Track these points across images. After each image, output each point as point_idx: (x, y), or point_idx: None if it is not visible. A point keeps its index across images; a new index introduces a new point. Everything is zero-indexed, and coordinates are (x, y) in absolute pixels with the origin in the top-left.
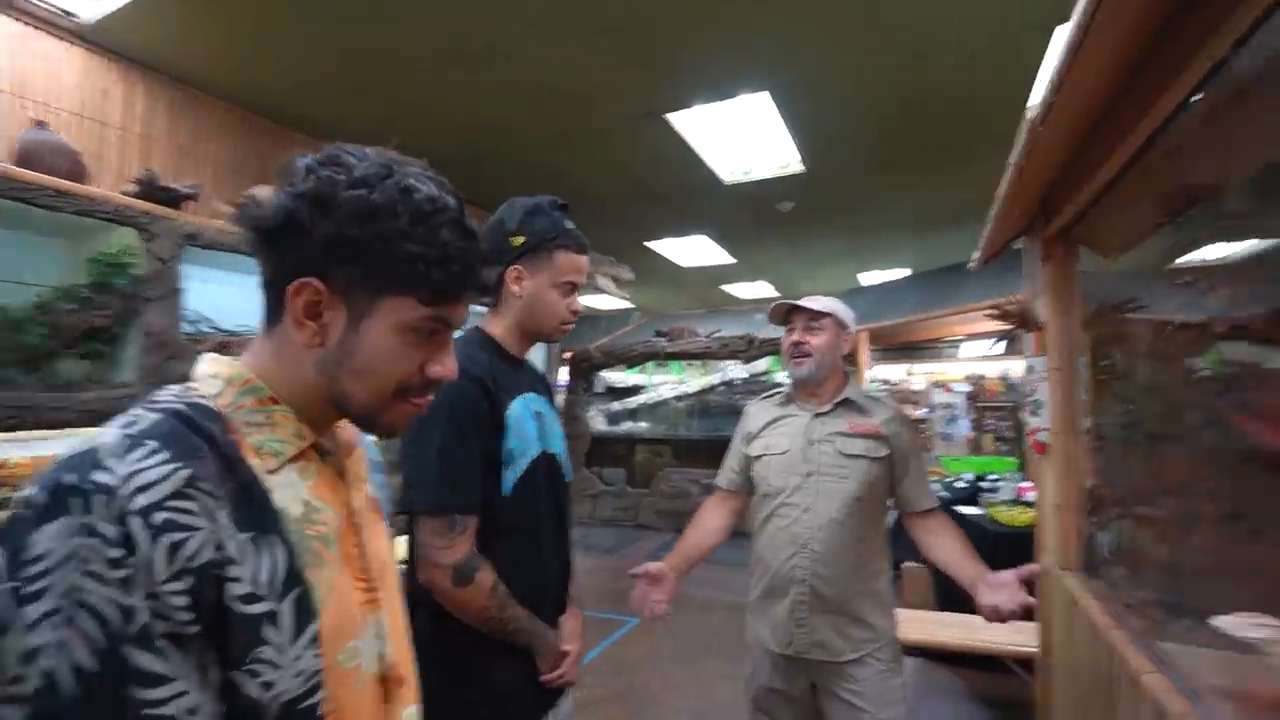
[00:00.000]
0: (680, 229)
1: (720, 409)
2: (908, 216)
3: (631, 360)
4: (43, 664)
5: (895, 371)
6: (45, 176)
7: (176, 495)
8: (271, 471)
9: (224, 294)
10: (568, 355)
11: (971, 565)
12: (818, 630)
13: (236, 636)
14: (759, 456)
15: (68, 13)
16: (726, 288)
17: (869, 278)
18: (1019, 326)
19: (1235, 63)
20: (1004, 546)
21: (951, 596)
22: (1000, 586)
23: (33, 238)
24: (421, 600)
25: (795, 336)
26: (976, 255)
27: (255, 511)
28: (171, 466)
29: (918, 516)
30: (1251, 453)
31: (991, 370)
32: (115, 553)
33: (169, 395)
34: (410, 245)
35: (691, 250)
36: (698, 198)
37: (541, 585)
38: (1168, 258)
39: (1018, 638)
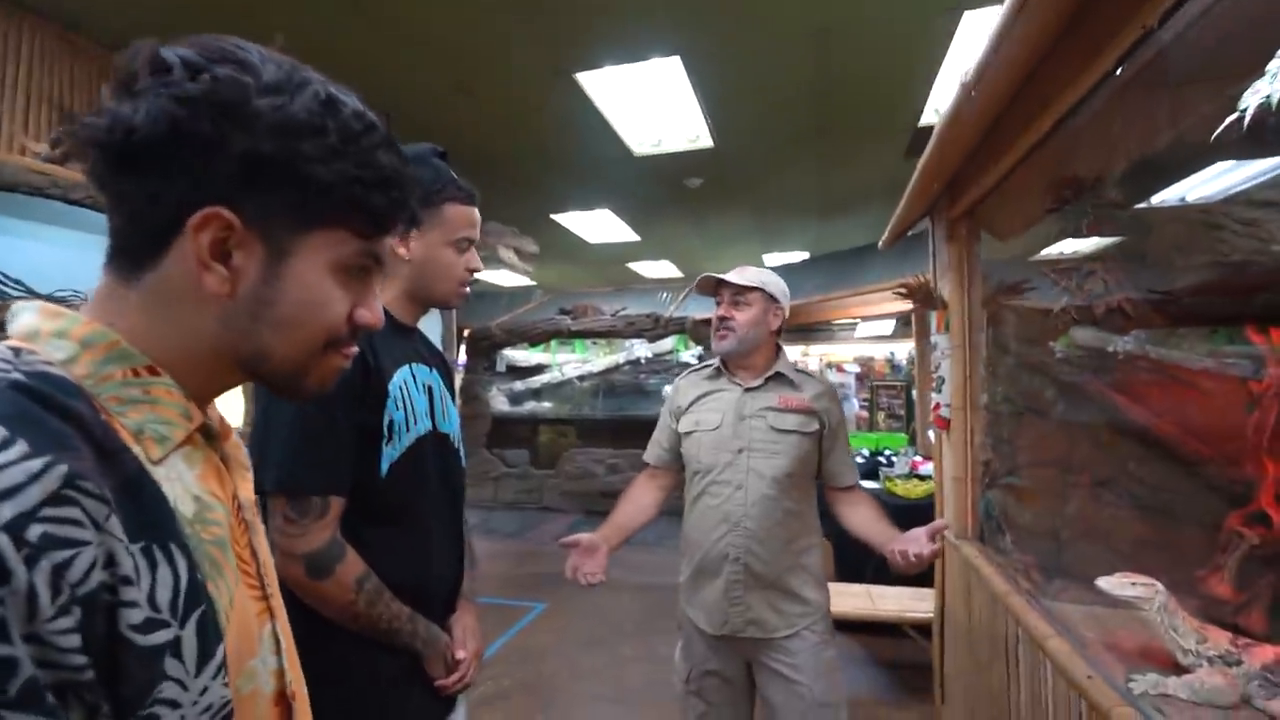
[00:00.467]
0: (586, 201)
1: (626, 388)
2: (811, 198)
3: (534, 338)
4: None
5: (791, 352)
6: None
7: (53, 500)
8: (155, 461)
9: (39, 251)
10: (467, 333)
11: (887, 528)
12: (752, 608)
13: (133, 675)
14: (689, 433)
15: None
16: (632, 265)
17: (772, 259)
18: (923, 305)
19: (1128, 62)
20: (902, 518)
21: (850, 568)
22: (912, 539)
23: None
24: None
25: (721, 310)
26: (887, 233)
27: (148, 514)
28: (40, 461)
29: (840, 491)
30: (1113, 426)
31: (880, 352)
32: None
33: None
34: (345, 167)
35: (597, 226)
36: (607, 168)
37: (426, 579)
38: (1048, 243)
39: (914, 604)
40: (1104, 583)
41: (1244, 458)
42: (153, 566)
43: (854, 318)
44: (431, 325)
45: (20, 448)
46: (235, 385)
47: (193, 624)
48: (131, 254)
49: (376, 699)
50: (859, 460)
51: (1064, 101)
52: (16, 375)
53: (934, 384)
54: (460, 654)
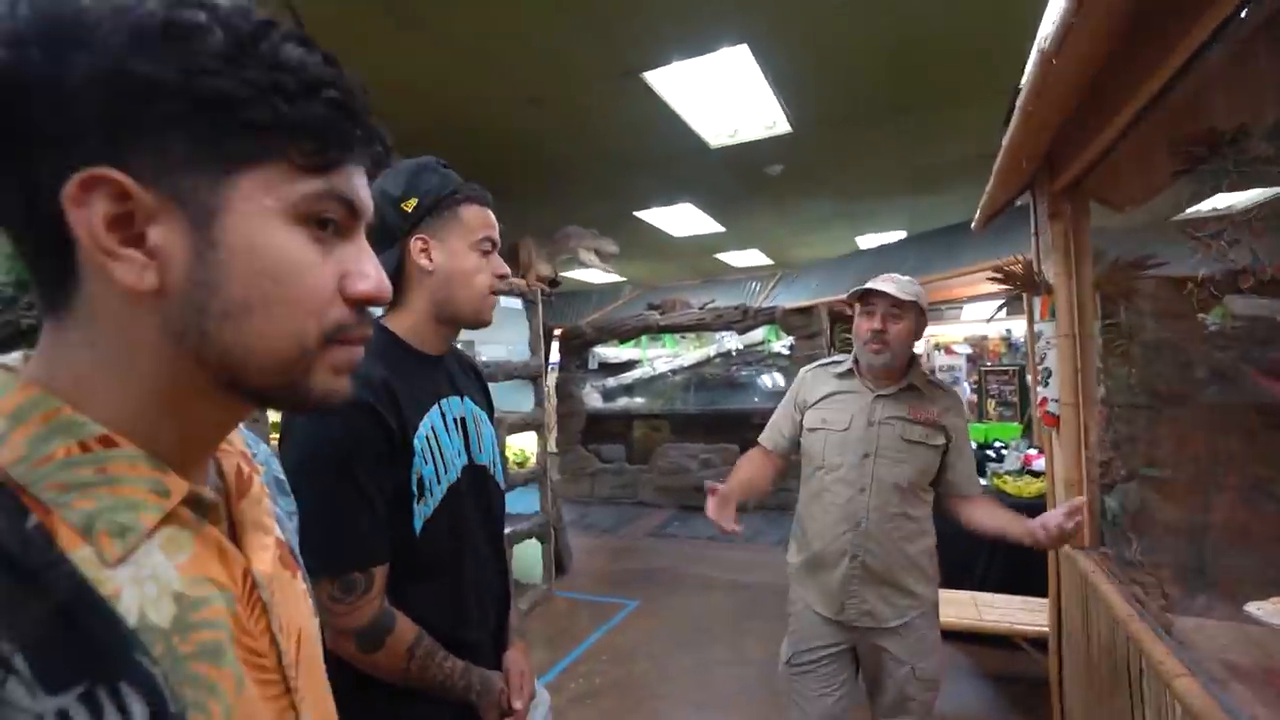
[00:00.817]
0: (668, 197)
1: (717, 381)
2: (902, 176)
3: (624, 335)
4: None
5: None
6: None
7: None
8: (115, 563)
9: None
10: (559, 332)
11: (1015, 515)
12: (867, 600)
13: None
14: (815, 429)
15: None
16: (720, 256)
17: (866, 241)
18: (1023, 289)
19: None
20: None
21: (955, 573)
22: (1049, 517)
23: None
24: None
25: (876, 324)
26: (978, 215)
27: (87, 646)
28: None
29: (963, 500)
30: (1273, 413)
31: (993, 331)
32: None
33: None
34: (248, 73)
35: (681, 219)
36: (684, 164)
37: (469, 624)
38: (1179, 210)
39: (1025, 615)
40: (1255, 609)
41: None
42: (97, 714)
43: (957, 299)
44: (519, 327)
45: None
46: (234, 421)
47: None
48: (43, 281)
49: None
50: None
51: (1181, 51)
52: None
53: (1040, 377)
54: (517, 705)
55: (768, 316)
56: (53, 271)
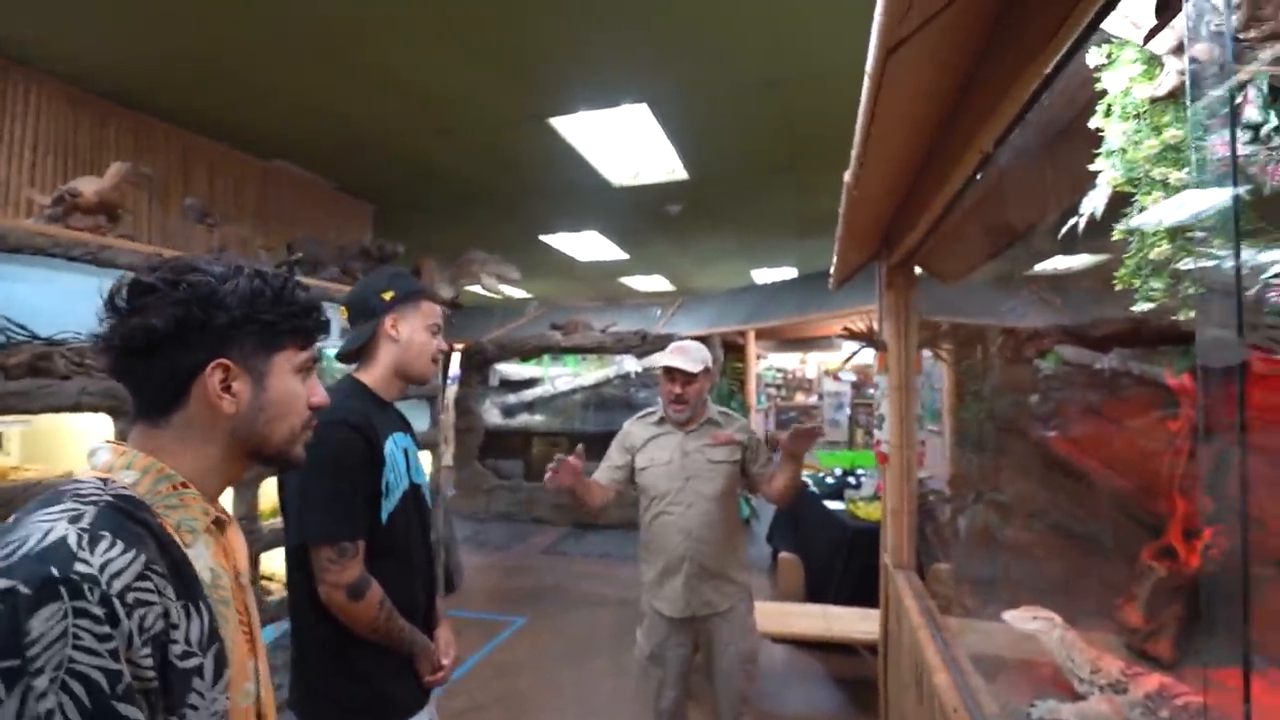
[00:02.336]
0: (573, 225)
1: (616, 402)
2: (790, 222)
3: (526, 353)
4: None
5: (790, 360)
6: None
7: (140, 578)
8: (189, 546)
9: (39, 296)
10: (461, 347)
11: (782, 460)
12: (704, 593)
13: (175, 687)
14: (645, 468)
15: None
16: (624, 280)
17: (762, 275)
18: (869, 345)
19: (1021, 127)
20: (862, 539)
21: (817, 586)
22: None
23: None
24: (323, 614)
25: (677, 389)
26: (832, 276)
27: (186, 582)
28: (131, 555)
29: (763, 481)
30: (1047, 457)
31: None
32: (104, 629)
33: (93, 488)
34: (284, 309)
35: (587, 245)
36: (588, 197)
37: (416, 598)
38: (1000, 286)
39: (862, 625)
40: (1009, 616)
41: (1160, 492)
42: (188, 617)
43: (837, 335)
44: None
45: (120, 546)
46: (237, 479)
47: (211, 655)
48: (160, 407)
49: (380, 684)
50: (829, 480)
51: (955, 180)
52: (108, 498)
53: (876, 421)
54: (445, 661)
55: (665, 343)
56: (166, 403)
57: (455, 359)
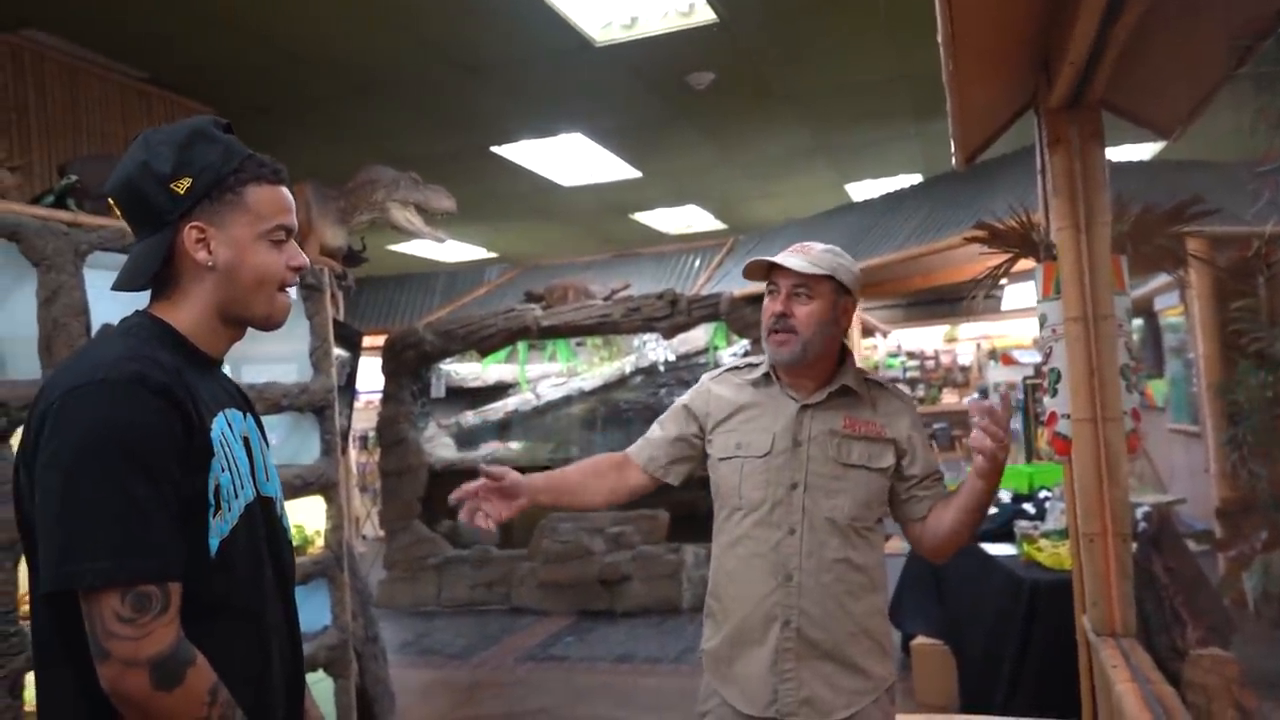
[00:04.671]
0: (542, 124)
1: (637, 412)
2: (903, 89)
3: (486, 343)
4: None
5: (928, 336)
6: None
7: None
8: None
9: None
10: (376, 341)
11: (967, 480)
12: (805, 684)
13: None
14: (727, 457)
15: None
16: (638, 217)
17: (862, 190)
18: (1020, 254)
19: None
20: (1049, 602)
21: (976, 686)
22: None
23: None
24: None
25: (778, 306)
26: (954, 150)
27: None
28: None
29: (917, 522)
30: None
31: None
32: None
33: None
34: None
35: (571, 160)
36: (558, 70)
37: (268, 678)
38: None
39: None
40: None
41: None
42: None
43: (966, 238)
44: (292, 330)
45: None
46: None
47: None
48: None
49: None
50: (992, 511)
51: None
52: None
53: (1046, 382)
54: None
55: (707, 309)
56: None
57: (362, 361)
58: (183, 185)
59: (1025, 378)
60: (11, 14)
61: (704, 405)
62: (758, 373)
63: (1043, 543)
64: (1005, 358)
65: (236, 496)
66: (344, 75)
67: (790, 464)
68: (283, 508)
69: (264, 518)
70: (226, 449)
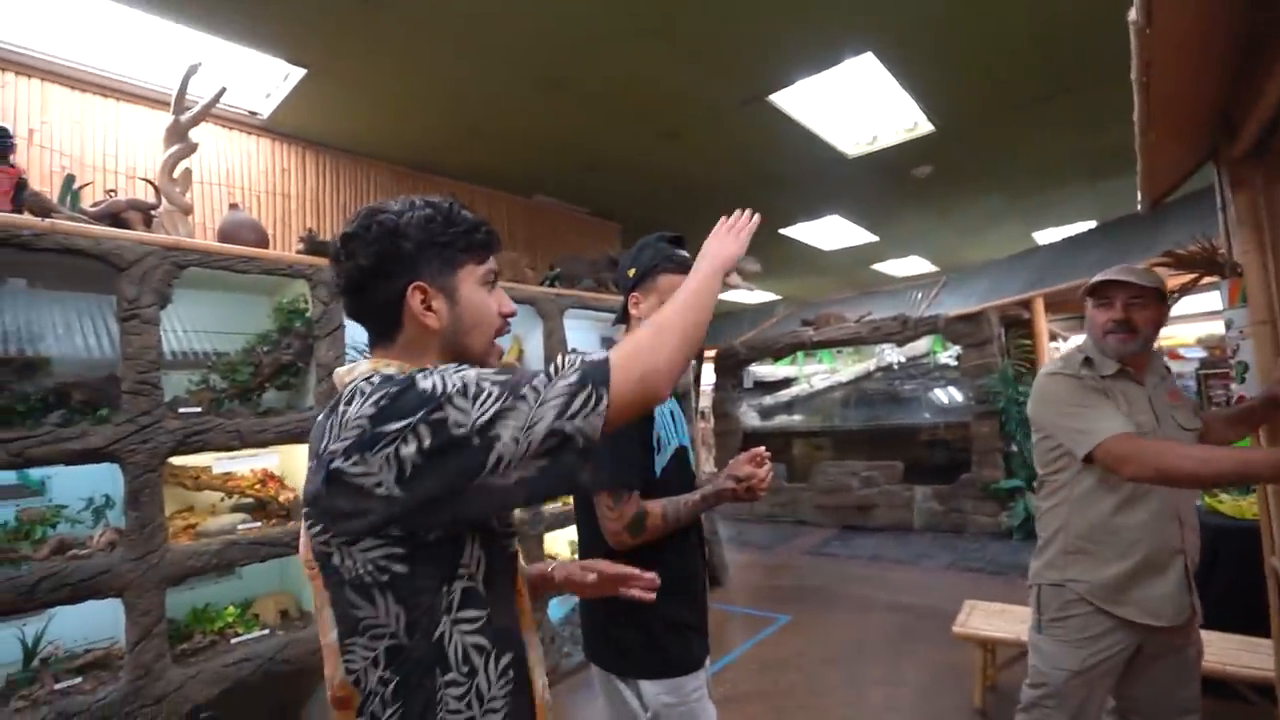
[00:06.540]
0: (812, 210)
1: (878, 397)
2: (1074, 161)
3: (778, 353)
4: None
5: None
6: (238, 247)
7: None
8: None
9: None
10: (711, 353)
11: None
12: (1191, 598)
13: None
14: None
15: (253, 112)
16: (877, 267)
17: (1046, 236)
18: (1207, 274)
19: None
20: (1228, 545)
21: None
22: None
23: (239, 296)
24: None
25: (1116, 313)
26: (1140, 197)
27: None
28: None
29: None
30: None
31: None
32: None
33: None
34: (455, 228)
35: (830, 232)
36: (823, 175)
37: (688, 555)
38: None
39: (1248, 658)
40: None
41: None
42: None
43: (1156, 262)
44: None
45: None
46: None
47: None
48: (384, 332)
49: (668, 639)
50: None
51: None
52: (389, 373)
53: (1234, 372)
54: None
55: (929, 326)
56: (388, 329)
57: (704, 366)
58: (631, 272)
59: (1196, 369)
60: (530, 184)
61: (1092, 388)
62: (1111, 369)
63: (1223, 496)
64: (1173, 354)
65: (669, 443)
66: (689, 191)
67: (1165, 432)
68: (692, 452)
69: (683, 459)
70: (662, 416)
